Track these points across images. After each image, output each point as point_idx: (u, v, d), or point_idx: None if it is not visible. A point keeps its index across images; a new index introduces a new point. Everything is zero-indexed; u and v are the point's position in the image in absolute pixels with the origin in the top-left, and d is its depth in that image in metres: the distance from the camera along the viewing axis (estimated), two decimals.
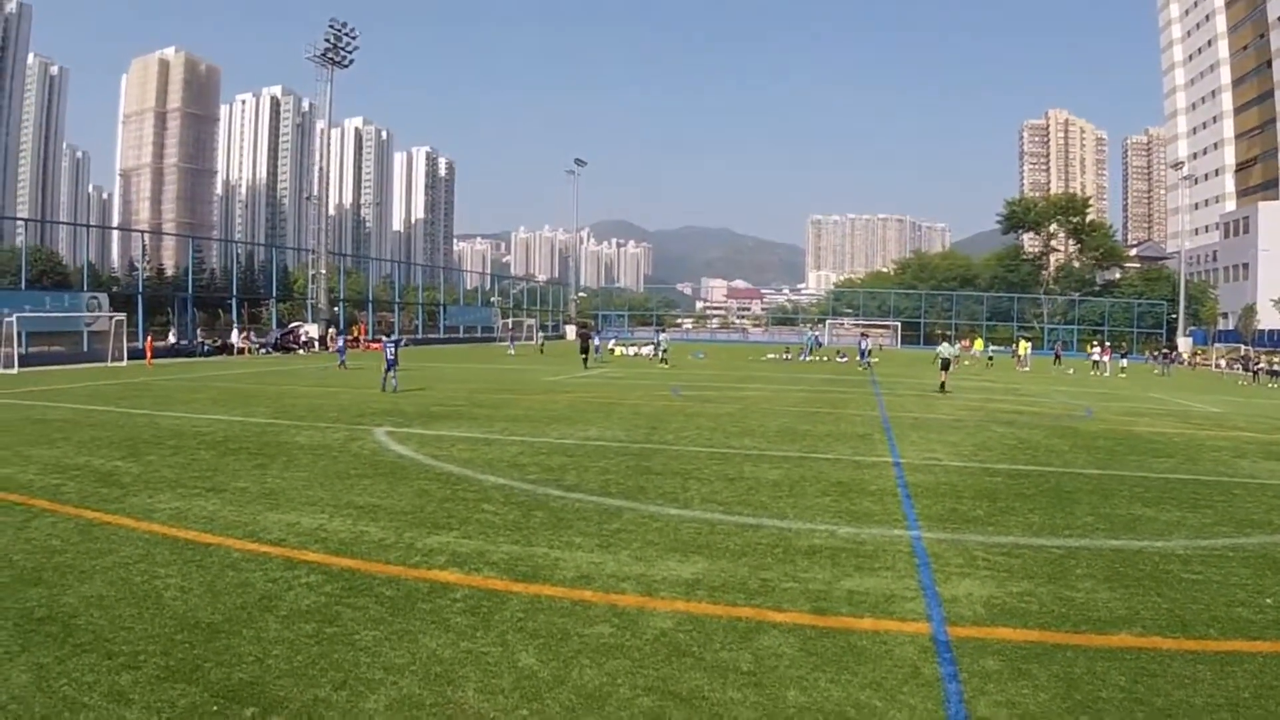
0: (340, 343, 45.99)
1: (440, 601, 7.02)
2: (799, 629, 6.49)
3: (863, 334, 67.48)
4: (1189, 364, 69.20)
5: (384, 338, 35.53)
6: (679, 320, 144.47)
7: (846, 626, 6.56)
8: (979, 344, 62.70)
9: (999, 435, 18.56)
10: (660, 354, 50.05)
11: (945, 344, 36.38)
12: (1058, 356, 60.56)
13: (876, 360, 56.19)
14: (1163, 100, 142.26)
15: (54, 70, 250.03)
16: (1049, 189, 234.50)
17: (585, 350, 44.78)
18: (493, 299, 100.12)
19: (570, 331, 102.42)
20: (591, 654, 5.95)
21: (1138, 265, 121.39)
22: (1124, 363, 52.20)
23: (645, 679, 5.53)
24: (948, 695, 5.31)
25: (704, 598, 7.20)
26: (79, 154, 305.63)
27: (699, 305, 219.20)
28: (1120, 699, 5.28)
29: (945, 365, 32.42)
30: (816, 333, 77.51)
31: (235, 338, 54.93)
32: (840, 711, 5.08)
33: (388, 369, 27.27)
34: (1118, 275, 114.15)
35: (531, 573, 7.86)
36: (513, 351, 58.77)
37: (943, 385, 31.60)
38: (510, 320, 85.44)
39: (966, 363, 56.61)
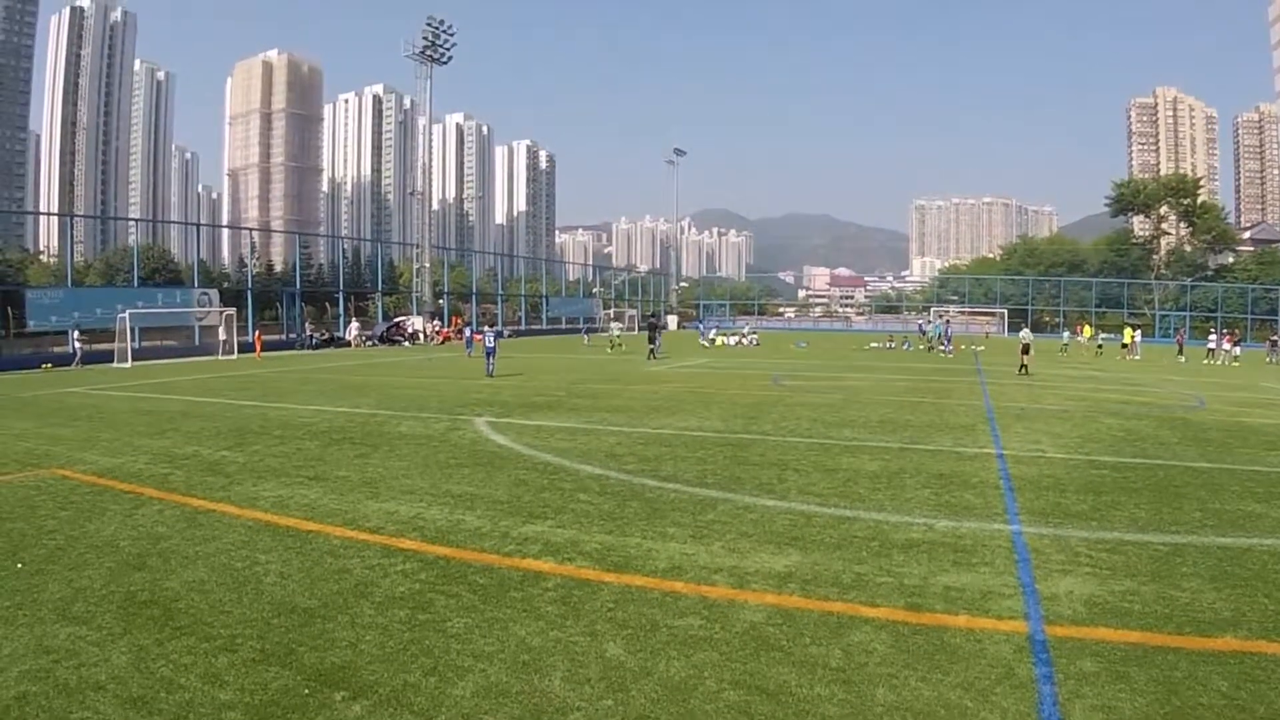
0: (467, 333, 47.32)
1: (532, 590, 7.13)
2: (891, 625, 6.40)
3: (945, 319, 66.24)
4: None
5: (485, 329, 37.05)
6: (780, 309, 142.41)
7: (940, 624, 6.44)
8: (1088, 330, 60.55)
9: (1106, 426, 18.00)
10: (615, 339, 53.22)
11: (1026, 329, 40.20)
12: (1180, 347, 56.78)
13: (982, 349, 54.99)
14: (1273, 75, 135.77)
15: (160, 75, 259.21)
16: (1158, 170, 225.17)
17: (652, 341, 43.36)
18: (594, 290, 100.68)
19: (672, 321, 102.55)
20: (679, 646, 5.97)
21: (1251, 248, 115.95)
22: (1237, 350, 49.84)
23: (732, 672, 5.53)
24: (1041, 698, 5.18)
25: (796, 591, 7.15)
26: (187, 155, 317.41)
27: (801, 293, 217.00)
28: (1221, 705, 5.07)
29: (1026, 349, 34.24)
30: (926, 320, 75.09)
31: (353, 331, 56.55)
32: (930, 711, 5.00)
33: (488, 356, 31.13)
34: (1231, 259, 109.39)
35: (624, 563, 7.92)
36: (587, 341, 58.27)
37: (1024, 368, 33.21)
38: (611, 310, 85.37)
39: (1076, 348, 55.03)
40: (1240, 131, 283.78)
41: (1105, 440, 15.95)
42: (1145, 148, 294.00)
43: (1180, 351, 54.80)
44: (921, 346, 56.59)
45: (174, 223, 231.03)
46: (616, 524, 9.31)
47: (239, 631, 6.20)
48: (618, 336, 55.64)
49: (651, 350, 42.57)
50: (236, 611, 6.60)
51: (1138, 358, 49.57)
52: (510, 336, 65.36)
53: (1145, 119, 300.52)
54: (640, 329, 74.43)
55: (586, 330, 68.78)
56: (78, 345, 37.72)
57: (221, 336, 46.18)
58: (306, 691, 5.22)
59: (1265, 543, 8.74)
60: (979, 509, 10.17)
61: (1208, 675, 5.49)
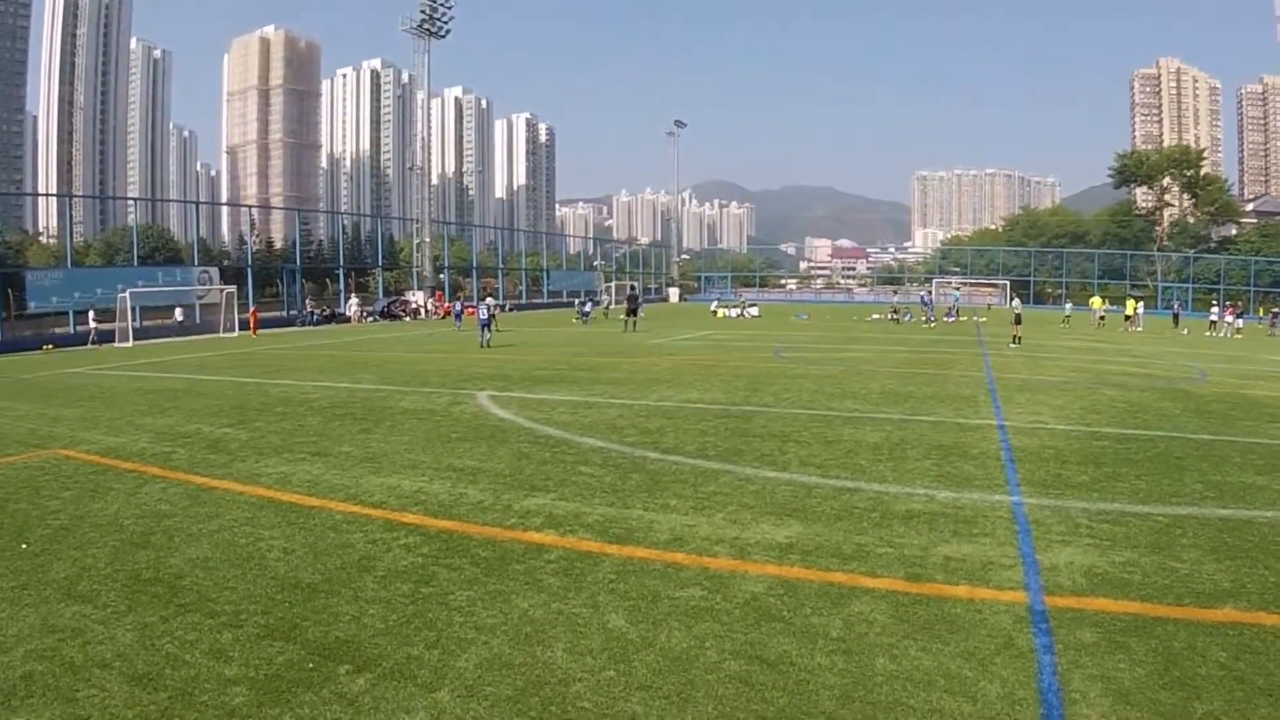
0: (458, 307, 47.55)
1: (534, 563, 7.16)
2: (892, 595, 6.43)
3: (928, 291, 66.58)
4: None
5: (480, 302, 37.58)
6: (782, 281, 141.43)
7: (941, 594, 6.46)
8: (1095, 302, 60.08)
9: (1108, 398, 17.98)
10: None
11: (1016, 300, 42.37)
12: (1176, 317, 56.98)
13: (984, 320, 54.82)
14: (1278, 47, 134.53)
15: (157, 53, 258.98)
16: (1161, 141, 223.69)
17: (632, 314, 43.66)
18: (595, 263, 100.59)
19: (673, 294, 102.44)
20: (681, 617, 6.00)
21: (1254, 221, 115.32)
22: (1239, 323, 49.76)
23: (733, 643, 5.56)
24: (1041, 667, 5.20)
25: (797, 562, 7.18)
26: (185, 133, 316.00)
27: (803, 265, 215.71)
28: (1219, 676, 5.08)
29: (1018, 320, 35.18)
30: (927, 293, 74.36)
31: (353, 307, 56.67)
32: (929, 681, 5.02)
33: (483, 328, 32.84)
34: (1234, 231, 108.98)
35: (625, 534, 7.95)
36: (585, 313, 54.09)
37: (1017, 338, 34.22)
38: (612, 283, 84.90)
39: (1080, 319, 54.92)
40: (1244, 103, 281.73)
41: (1107, 412, 15.94)
42: (1148, 119, 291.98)
43: (1176, 322, 54.79)
44: (924, 319, 55.95)
45: (173, 201, 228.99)
46: (618, 496, 9.34)
47: (243, 607, 6.24)
48: (576, 316, 53.15)
49: (632, 323, 42.68)
50: (240, 588, 6.64)
51: (1140, 329, 49.43)
52: (510, 310, 65.05)
53: (1148, 90, 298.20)
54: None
55: (585, 305, 56.97)
56: (93, 324, 38.09)
57: (180, 317, 46.74)
58: (311, 665, 5.26)
59: (1266, 515, 8.74)
60: (980, 480, 10.18)
61: (1207, 646, 5.51)
